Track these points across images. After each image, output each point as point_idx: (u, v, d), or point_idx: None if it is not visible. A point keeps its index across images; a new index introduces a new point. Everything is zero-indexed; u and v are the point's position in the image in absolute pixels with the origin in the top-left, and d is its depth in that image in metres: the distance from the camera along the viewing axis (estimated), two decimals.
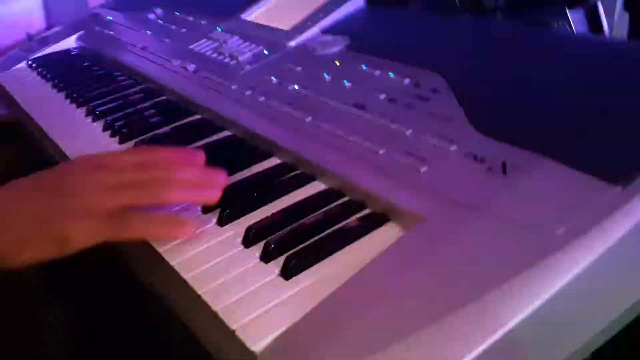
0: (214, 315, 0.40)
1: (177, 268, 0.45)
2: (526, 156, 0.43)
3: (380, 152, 0.49)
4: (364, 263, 0.40)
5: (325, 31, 0.73)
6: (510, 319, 0.33)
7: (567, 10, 0.76)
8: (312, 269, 0.42)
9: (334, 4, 0.76)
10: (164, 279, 0.46)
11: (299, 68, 0.67)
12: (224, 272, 0.43)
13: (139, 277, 0.51)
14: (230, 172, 0.55)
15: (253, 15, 0.85)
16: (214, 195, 0.49)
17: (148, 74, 0.82)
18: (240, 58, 0.74)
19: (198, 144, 0.63)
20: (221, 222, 0.49)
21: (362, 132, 0.52)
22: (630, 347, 0.44)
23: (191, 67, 0.77)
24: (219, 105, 0.67)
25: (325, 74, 0.63)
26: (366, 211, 0.47)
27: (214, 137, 0.64)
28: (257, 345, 0.37)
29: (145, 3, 1.06)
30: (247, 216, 0.49)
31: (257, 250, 0.45)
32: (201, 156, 0.52)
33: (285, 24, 0.77)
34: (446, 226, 0.40)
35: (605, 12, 0.80)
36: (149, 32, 0.96)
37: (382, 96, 0.56)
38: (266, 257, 0.44)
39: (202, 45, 0.82)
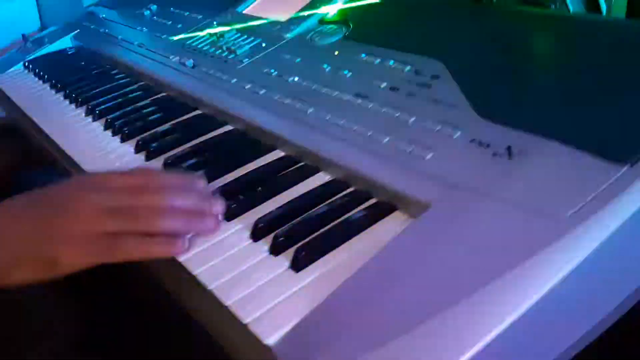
0: (226, 310, 0.40)
1: (185, 264, 0.45)
2: (531, 139, 0.42)
3: (384, 140, 0.49)
4: (372, 252, 0.40)
5: (322, 21, 0.73)
6: (524, 302, 0.33)
7: None
8: (321, 260, 0.42)
9: None
10: (173, 276, 0.46)
11: (298, 59, 0.67)
12: (233, 266, 0.43)
13: (147, 274, 0.51)
14: (234, 167, 0.56)
15: (249, 7, 0.85)
16: (208, 225, 0.47)
17: (146, 71, 0.82)
18: (239, 51, 0.74)
19: (200, 139, 0.63)
20: (228, 217, 0.49)
21: (364, 122, 0.52)
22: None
23: (189, 62, 0.76)
24: (219, 99, 0.67)
25: (325, 65, 0.63)
26: (372, 200, 0.47)
27: (216, 133, 0.63)
28: (271, 338, 0.37)
29: (140, 0, 1.06)
30: (253, 210, 0.49)
31: (265, 243, 0.45)
32: (200, 183, 0.51)
33: (282, 16, 0.77)
34: (454, 213, 0.40)
35: None
36: (145, 29, 0.95)
37: (383, 84, 0.56)
38: (275, 249, 0.44)
39: (199, 40, 0.82)
